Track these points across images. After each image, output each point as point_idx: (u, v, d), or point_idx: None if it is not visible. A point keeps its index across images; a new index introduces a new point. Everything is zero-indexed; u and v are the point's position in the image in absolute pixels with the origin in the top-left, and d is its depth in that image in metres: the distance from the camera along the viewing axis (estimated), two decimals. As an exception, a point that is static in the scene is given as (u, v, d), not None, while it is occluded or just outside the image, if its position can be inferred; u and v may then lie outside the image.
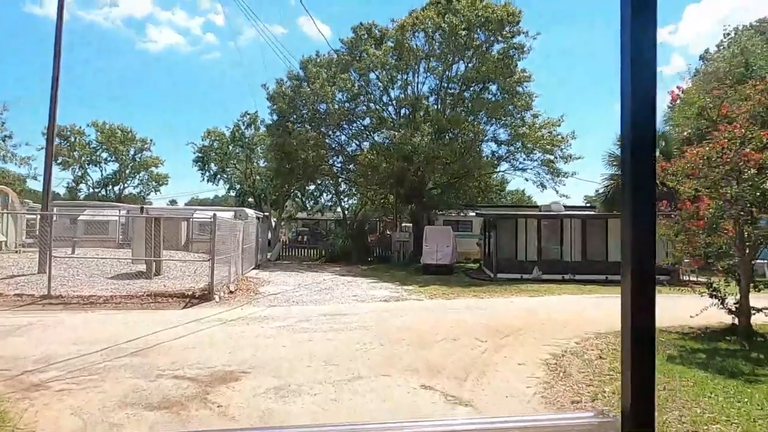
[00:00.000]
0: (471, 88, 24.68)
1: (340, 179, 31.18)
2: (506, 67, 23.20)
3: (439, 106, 25.97)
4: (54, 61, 14.22)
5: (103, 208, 28.13)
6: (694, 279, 18.30)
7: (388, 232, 33.26)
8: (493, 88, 24.40)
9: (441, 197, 25.56)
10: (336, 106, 25.01)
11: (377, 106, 27.00)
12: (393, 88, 26.82)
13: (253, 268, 19.44)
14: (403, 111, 26.92)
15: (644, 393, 1.03)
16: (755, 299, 8.33)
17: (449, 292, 14.73)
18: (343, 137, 27.79)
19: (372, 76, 26.22)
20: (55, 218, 24.11)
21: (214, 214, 11.87)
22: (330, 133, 27.18)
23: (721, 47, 32.97)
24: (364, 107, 26.80)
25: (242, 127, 42.31)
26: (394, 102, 26.90)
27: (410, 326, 9.29)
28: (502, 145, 24.49)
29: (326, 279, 17.58)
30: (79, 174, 45.45)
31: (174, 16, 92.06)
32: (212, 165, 43.15)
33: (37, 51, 78.19)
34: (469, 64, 24.38)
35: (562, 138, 23.43)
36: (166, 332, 8.33)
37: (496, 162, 24.67)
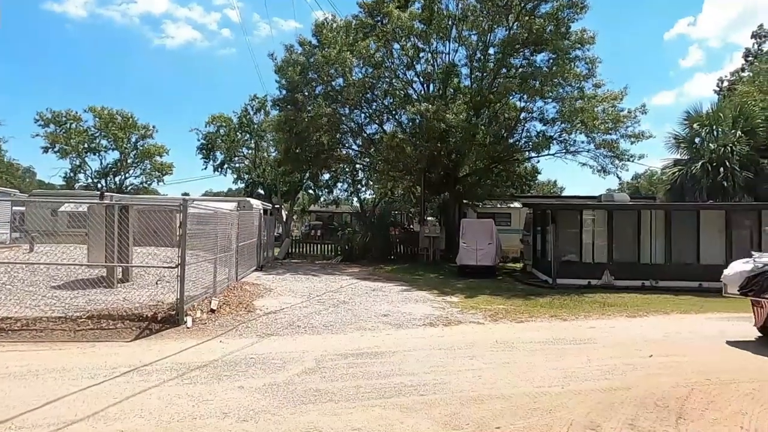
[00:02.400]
0: (515, 56, 20.62)
1: (357, 166, 27.42)
2: (557, 28, 19.16)
3: (475, 78, 22.03)
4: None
5: (86, 197, 24.61)
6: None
7: (413, 227, 29.47)
8: (541, 56, 20.38)
9: (479, 185, 21.65)
10: (354, 78, 21.21)
11: (401, 83, 23.17)
12: (419, 62, 22.97)
13: (253, 270, 15.82)
14: (431, 87, 23.06)
15: None
16: None
17: (511, 307, 10.90)
18: (362, 116, 24.01)
19: (396, 47, 22.41)
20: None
21: (184, 201, 8.18)
22: (347, 111, 23.43)
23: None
24: (386, 84, 22.99)
25: (250, 112, 38.83)
26: (420, 77, 23.04)
27: (493, 387, 5.51)
28: (554, 123, 20.43)
29: (344, 285, 13.87)
30: (77, 163, 42.32)
31: (191, 12, 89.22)
32: (218, 153, 39.77)
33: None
34: (511, 31, 20.37)
35: (629, 113, 19.35)
36: (66, 404, 4.69)
37: (543, 143, 20.54)
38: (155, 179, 45.83)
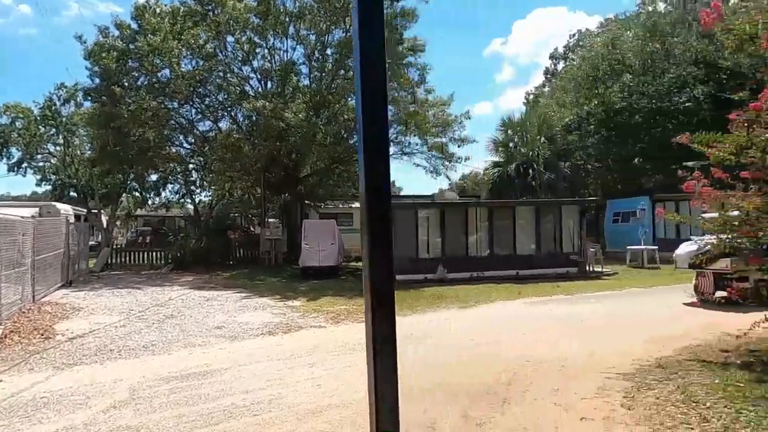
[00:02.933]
0: (352, 58, 20.94)
1: (190, 166, 25.31)
2: (391, 34, 19.95)
3: (314, 78, 21.89)
4: None
5: None
6: (599, 269, 17.09)
7: (253, 229, 28.24)
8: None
9: (320, 186, 21.51)
10: (183, 70, 19.47)
11: (237, 78, 21.99)
12: (256, 57, 22.03)
13: (59, 287, 13.44)
14: (269, 85, 22.29)
15: None
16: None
17: (353, 307, 10.87)
18: (193, 112, 22.20)
19: (230, 39, 21.16)
20: None
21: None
22: (176, 106, 21.44)
23: None
24: (220, 78, 21.60)
25: (57, 103, 33.35)
26: (258, 73, 22.12)
27: (333, 395, 5.26)
28: (391, 125, 21.21)
29: (173, 297, 12.50)
30: None
31: None
32: (14, 150, 33.40)
33: None
34: (348, 33, 20.65)
35: (456, 118, 20.99)
36: None
37: (382, 145, 21.19)
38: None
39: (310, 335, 8.22)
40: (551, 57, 45.02)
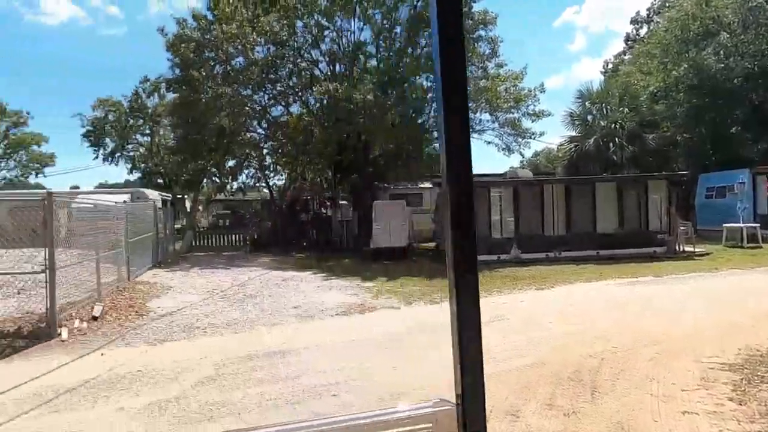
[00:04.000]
0: (420, 36, 20.45)
1: (264, 151, 26.10)
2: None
3: (382, 58, 21.66)
4: None
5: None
6: (690, 249, 15.77)
7: (325, 212, 28.81)
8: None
9: (390, 167, 21.43)
10: (256, 56, 19.96)
11: (306, 63, 22.23)
12: (324, 41, 22.11)
13: (151, 267, 14.41)
14: (338, 67, 22.37)
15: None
16: None
17: (426, 288, 10.77)
18: (265, 98, 22.77)
19: (299, 24, 21.37)
20: None
21: (48, 195, 6.94)
22: (249, 92, 22.08)
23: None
24: (291, 63, 21.94)
25: (142, 95, 35.58)
26: (326, 56, 22.22)
27: (413, 378, 5.19)
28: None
29: (253, 277, 13.02)
30: (-63, 156, 36.56)
31: None
32: (108, 141, 36.18)
33: None
34: (415, 9, 20.15)
35: (529, 92, 20.00)
36: None
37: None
38: (34, 172, 40.88)
39: (384, 316, 8.21)
40: (632, 22, 41.80)
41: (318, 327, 7.57)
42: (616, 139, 20.76)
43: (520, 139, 20.83)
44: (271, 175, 30.66)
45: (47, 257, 6.81)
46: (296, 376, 5.26)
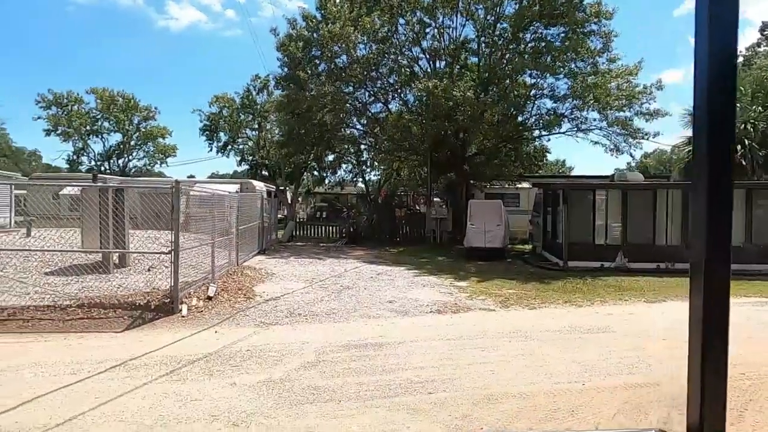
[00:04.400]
0: (526, 31, 19.76)
1: (362, 146, 26.81)
2: (571, 0, 18.29)
3: (483, 55, 21.24)
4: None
5: (83, 180, 24.21)
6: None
7: (419, 208, 28.96)
8: (553, 30, 19.44)
9: (487, 165, 21.01)
10: (358, 55, 20.50)
11: (407, 60, 22.41)
12: (425, 38, 22.12)
13: (256, 254, 15.42)
14: (438, 64, 22.31)
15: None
16: None
17: (522, 292, 10.44)
18: (366, 95, 23.32)
19: (401, 22, 21.57)
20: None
21: (176, 183, 7.68)
22: (351, 90, 22.74)
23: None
24: (391, 61, 22.24)
25: (253, 93, 38.12)
26: (427, 53, 22.23)
27: (508, 384, 5.05)
28: (566, 100, 19.64)
29: (348, 269, 13.44)
30: (80, 146, 41.94)
31: None
32: (222, 135, 39.21)
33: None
34: (521, 4, 19.47)
35: (644, 89, 18.54)
36: (42, 405, 4.29)
37: (554, 121, 19.82)
38: (158, 161, 45.45)
39: (479, 317, 8.08)
40: (772, 8, 37.02)
41: (413, 323, 7.64)
42: (746, 141, 18.57)
43: (631, 140, 19.41)
44: (368, 170, 31.47)
45: (174, 239, 7.53)
46: (393, 370, 5.35)
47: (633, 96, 18.49)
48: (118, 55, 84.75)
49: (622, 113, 18.89)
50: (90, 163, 42.28)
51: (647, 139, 19.24)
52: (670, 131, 70.25)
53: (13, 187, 19.87)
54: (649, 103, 18.56)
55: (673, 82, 69.51)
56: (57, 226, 14.71)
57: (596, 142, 20.19)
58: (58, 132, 40.99)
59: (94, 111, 41.76)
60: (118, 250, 9.57)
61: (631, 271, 13.84)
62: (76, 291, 8.46)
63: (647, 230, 14.79)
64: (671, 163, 31.42)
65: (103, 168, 41.23)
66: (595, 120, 19.58)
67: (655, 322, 7.96)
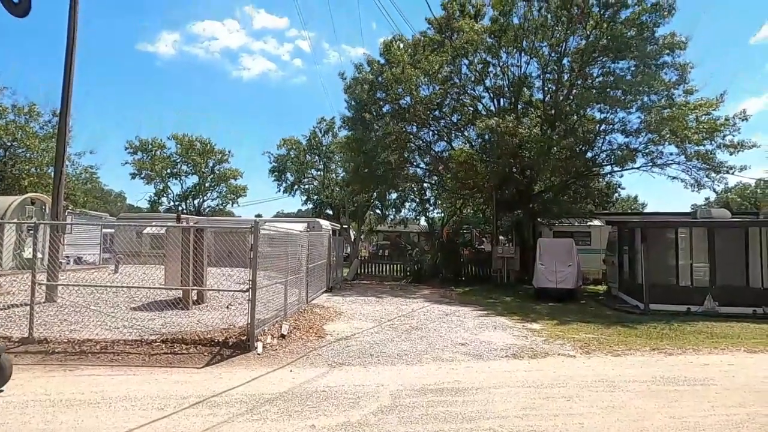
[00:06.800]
0: (593, 65, 19.40)
1: (425, 184, 26.93)
2: (640, 33, 17.84)
3: (548, 91, 20.99)
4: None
5: (168, 221, 25.82)
6: None
7: (483, 246, 28.42)
8: (622, 64, 18.95)
9: (554, 203, 20.39)
10: (421, 95, 20.90)
11: (470, 99, 22.57)
12: (488, 77, 22.23)
13: (323, 292, 15.62)
14: (501, 102, 22.29)
15: None
16: None
17: (602, 337, 9.83)
18: (429, 134, 23.59)
19: (464, 62, 21.86)
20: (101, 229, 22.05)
21: (255, 222, 7.98)
22: (414, 129, 23.10)
23: None
24: (454, 101, 22.49)
25: (319, 135, 39.68)
26: (490, 91, 22.29)
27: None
28: (639, 134, 18.88)
29: (416, 309, 13.27)
30: (161, 187, 45.03)
31: (266, 44, 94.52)
32: (289, 175, 40.82)
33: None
34: (588, 39, 19.22)
35: (727, 120, 17.50)
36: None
37: (627, 156, 19.05)
38: (230, 201, 47.81)
39: (560, 364, 7.64)
40: None
41: (489, 367, 7.33)
42: None
43: (713, 174, 18.23)
44: (431, 208, 31.49)
45: (252, 278, 7.77)
46: (474, 418, 5.12)
47: (715, 128, 17.48)
48: (198, 102, 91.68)
49: (702, 147, 17.85)
50: (169, 203, 45.23)
51: (732, 173, 18.03)
52: (755, 164, 65.75)
53: (102, 227, 21.52)
54: (733, 135, 17.46)
55: (752, 111, 65.31)
56: (139, 262, 15.71)
57: (674, 177, 19.17)
58: (142, 175, 44.28)
59: (174, 155, 44.93)
60: (202, 287, 10.00)
61: (722, 315, 12.75)
62: (160, 326, 8.87)
63: (739, 272, 13.63)
64: (758, 198, 29.18)
65: (180, 207, 43.88)
66: (672, 154, 18.66)
67: (761, 374, 7.19)
